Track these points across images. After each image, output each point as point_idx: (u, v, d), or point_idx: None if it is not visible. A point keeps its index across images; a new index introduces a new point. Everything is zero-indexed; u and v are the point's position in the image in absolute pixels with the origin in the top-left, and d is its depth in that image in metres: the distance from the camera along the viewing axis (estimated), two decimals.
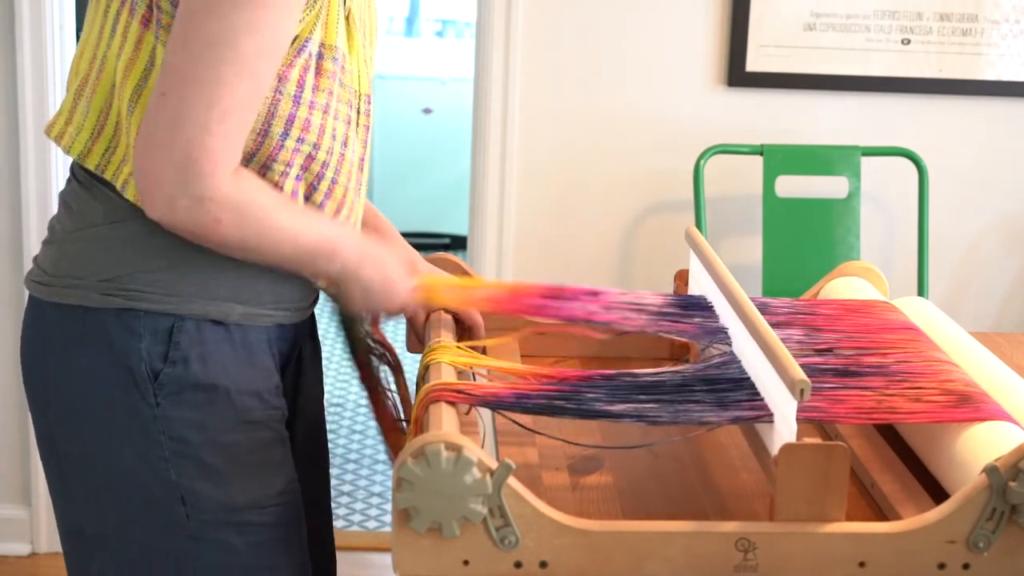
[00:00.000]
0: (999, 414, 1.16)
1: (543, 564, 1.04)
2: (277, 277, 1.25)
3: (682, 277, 1.53)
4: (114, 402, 1.20)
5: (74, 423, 1.22)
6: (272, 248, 1.19)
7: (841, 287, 1.52)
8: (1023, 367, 1.47)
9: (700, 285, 1.44)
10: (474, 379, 1.30)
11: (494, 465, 1.03)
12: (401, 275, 1.31)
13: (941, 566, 1.06)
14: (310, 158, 1.22)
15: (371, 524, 3.00)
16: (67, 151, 1.23)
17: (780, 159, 2.67)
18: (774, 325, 1.30)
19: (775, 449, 1.08)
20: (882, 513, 1.16)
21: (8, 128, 2.54)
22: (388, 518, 3.00)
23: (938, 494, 1.14)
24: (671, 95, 2.75)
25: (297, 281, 1.28)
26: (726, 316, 1.31)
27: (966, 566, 1.06)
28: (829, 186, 2.71)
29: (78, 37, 2.73)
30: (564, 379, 1.22)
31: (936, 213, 2.75)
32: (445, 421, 1.12)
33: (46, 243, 1.27)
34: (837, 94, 2.75)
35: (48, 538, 2.68)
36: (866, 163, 2.71)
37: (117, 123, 1.20)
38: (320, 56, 1.21)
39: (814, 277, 2.44)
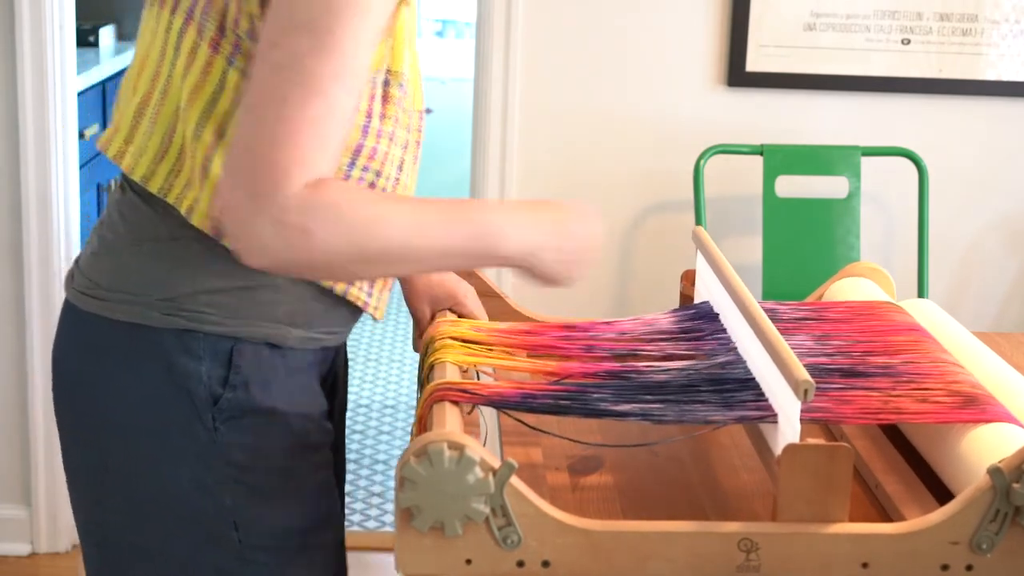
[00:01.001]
0: (1005, 416, 1.16)
1: (545, 563, 1.04)
2: (333, 301, 1.22)
3: (688, 278, 1.53)
4: (170, 424, 1.17)
5: (124, 441, 1.18)
6: (395, 247, 1.09)
7: (848, 288, 1.52)
8: (1023, 367, 1.47)
9: (706, 285, 1.45)
10: (478, 377, 1.30)
11: (497, 464, 1.03)
12: (579, 221, 1.21)
13: (944, 567, 1.06)
14: (372, 186, 1.19)
15: (371, 524, 3.00)
16: (129, 173, 1.19)
17: (780, 159, 2.67)
18: (784, 331, 1.30)
19: (779, 449, 1.08)
20: (886, 514, 1.16)
21: (8, 128, 2.54)
22: (388, 518, 3.00)
23: (942, 495, 1.14)
24: (671, 95, 2.75)
25: (348, 304, 1.24)
26: (732, 317, 1.31)
27: (969, 567, 1.06)
28: (829, 186, 2.71)
29: (78, 37, 2.73)
30: (569, 376, 1.22)
31: (936, 213, 2.75)
32: (448, 421, 1.12)
33: (96, 254, 1.22)
34: (837, 94, 2.75)
35: (48, 538, 2.68)
36: (866, 163, 2.71)
37: (182, 147, 1.17)
38: (387, 83, 1.18)
39: (814, 277, 2.44)
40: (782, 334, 1.26)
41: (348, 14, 1.05)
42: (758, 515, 1.16)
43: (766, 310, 1.39)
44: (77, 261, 1.25)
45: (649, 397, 1.17)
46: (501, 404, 1.16)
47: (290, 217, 1.03)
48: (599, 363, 1.28)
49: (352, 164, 1.16)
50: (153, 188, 1.17)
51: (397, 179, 1.21)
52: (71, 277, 1.25)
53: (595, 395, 1.17)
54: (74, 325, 1.22)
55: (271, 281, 1.17)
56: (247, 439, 1.17)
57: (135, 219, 1.19)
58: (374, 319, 1.26)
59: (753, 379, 1.19)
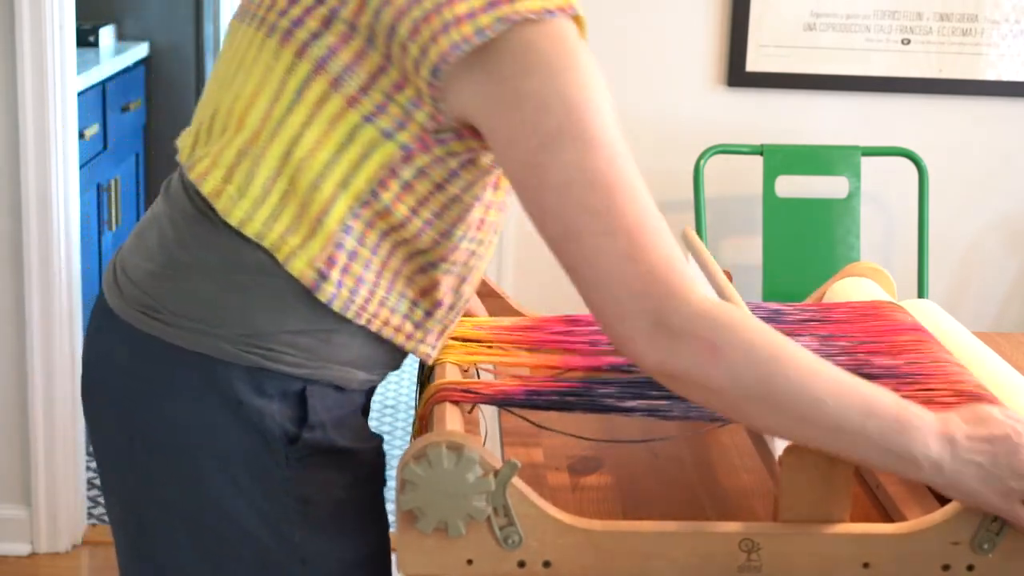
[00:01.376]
0: None
1: (547, 564, 1.04)
2: (391, 346, 1.19)
3: None
4: (237, 460, 1.13)
5: (183, 474, 1.14)
6: (805, 398, 1.01)
7: (849, 288, 1.52)
8: (1023, 367, 1.47)
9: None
10: (479, 376, 1.30)
11: (497, 462, 1.03)
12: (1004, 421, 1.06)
13: (945, 567, 1.06)
14: (473, 254, 1.17)
15: None
16: (225, 216, 1.12)
17: (780, 159, 2.67)
18: (789, 332, 1.30)
19: (779, 450, 1.08)
20: (887, 514, 1.16)
21: (8, 128, 2.54)
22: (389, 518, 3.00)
23: (942, 495, 1.14)
24: (671, 95, 2.75)
25: (394, 345, 1.19)
26: None
27: (970, 568, 1.06)
28: (829, 186, 2.71)
29: (78, 37, 2.73)
30: (573, 371, 1.21)
31: (936, 213, 2.75)
32: (448, 420, 1.12)
33: (162, 274, 1.15)
34: (837, 94, 2.75)
35: (48, 538, 2.68)
36: (866, 163, 2.71)
37: (285, 192, 1.11)
38: None
39: (814, 277, 2.44)
40: (788, 335, 1.26)
41: (590, 109, 1.03)
42: (758, 515, 1.16)
43: (771, 311, 1.39)
44: (124, 270, 1.19)
45: (655, 393, 1.17)
46: (505, 402, 1.16)
47: (692, 328, 1.01)
48: (602, 357, 1.28)
49: (464, 236, 1.14)
50: (249, 233, 1.11)
51: (491, 242, 1.20)
52: (116, 285, 1.19)
53: (600, 391, 1.17)
54: (127, 345, 1.16)
55: (348, 327, 1.14)
56: (318, 476, 1.15)
57: (220, 247, 1.13)
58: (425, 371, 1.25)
59: None
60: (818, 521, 1.06)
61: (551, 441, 1.27)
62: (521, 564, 1.04)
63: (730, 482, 1.23)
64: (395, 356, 1.20)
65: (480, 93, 1.05)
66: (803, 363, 1.03)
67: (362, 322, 1.14)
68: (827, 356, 1.27)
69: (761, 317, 1.37)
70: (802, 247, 2.68)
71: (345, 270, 1.12)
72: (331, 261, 1.11)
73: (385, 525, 1.24)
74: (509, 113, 1.04)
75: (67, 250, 2.59)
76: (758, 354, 1.01)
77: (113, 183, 3.10)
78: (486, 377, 1.30)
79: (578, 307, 1.35)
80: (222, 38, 3.72)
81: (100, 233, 3.04)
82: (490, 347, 1.30)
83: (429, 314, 1.18)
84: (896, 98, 2.76)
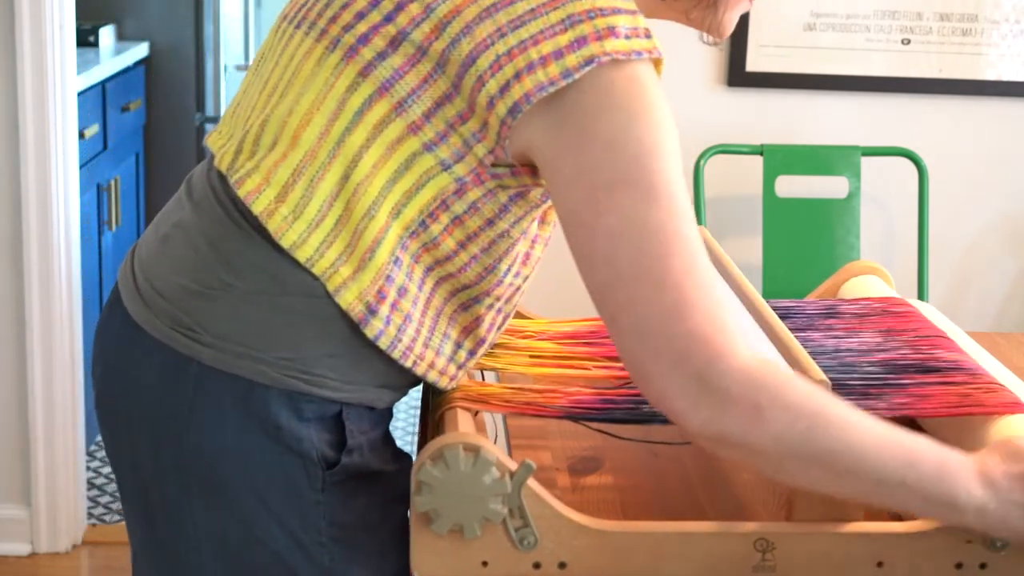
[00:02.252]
0: None
1: (562, 565, 1.05)
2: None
3: None
4: (271, 484, 1.10)
5: (214, 496, 1.11)
6: (846, 453, 1.00)
7: (862, 286, 1.52)
8: (1023, 368, 1.48)
9: None
10: (483, 378, 1.30)
11: (513, 465, 1.03)
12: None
13: (959, 566, 1.06)
14: (518, 290, 1.16)
15: None
16: (278, 238, 1.08)
17: (780, 159, 2.67)
18: (848, 329, 1.32)
19: None
20: (895, 513, 1.16)
21: (8, 128, 2.53)
22: None
23: None
24: (671, 95, 2.69)
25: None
26: None
27: (983, 566, 1.06)
28: (829, 186, 2.71)
29: (78, 37, 2.72)
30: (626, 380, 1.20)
31: (936, 213, 2.76)
32: (461, 423, 1.12)
33: (201, 294, 1.10)
34: (837, 94, 2.76)
35: (48, 538, 2.67)
36: (866, 163, 2.71)
37: (339, 217, 1.07)
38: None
39: (814, 277, 2.44)
40: (845, 330, 1.26)
41: (656, 156, 1.00)
42: (759, 515, 1.16)
43: (825, 307, 1.39)
44: (149, 280, 1.15)
45: None
46: (581, 416, 1.14)
47: (732, 390, 0.99)
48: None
49: (508, 271, 1.13)
50: (300, 257, 1.07)
51: (528, 276, 1.18)
52: (142, 299, 1.14)
53: None
54: (161, 364, 1.12)
55: (376, 348, 1.11)
56: (353, 500, 1.13)
57: (263, 268, 1.09)
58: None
59: None
60: (832, 520, 1.06)
61: (557, 443, 1.27)
62: (536, 565, 1.04)
63: (731, 482, 1.23)
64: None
65: (551, 131, 1.02)
66: (844, 420, 1.02)
67: (408, 364, 1.11)
68: (893, 351, 1.27)
69: (807, 312, 1.37)
70: (802, 247, 2.68)
71: (394, 306, 1.09)
72: (381, 295, 1.08)
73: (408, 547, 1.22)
74: (577, 152, 1.02)
75: (67, 250, 2.59)
76: (801, 413, 1.00)
77: (113, 183, 3.10)
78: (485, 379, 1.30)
79: (577, 311, 1.35)
80: (222, 38, 3.72)
81: (100, 233, 3.04)
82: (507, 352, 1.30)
83: (472, 353, 1.16)
84: (896, 98, 2.77)
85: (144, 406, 1.14)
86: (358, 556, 1.15)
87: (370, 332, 1.09)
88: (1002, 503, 1.03)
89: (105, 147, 3.10)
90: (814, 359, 1.23)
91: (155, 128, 3.52)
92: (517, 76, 1.01)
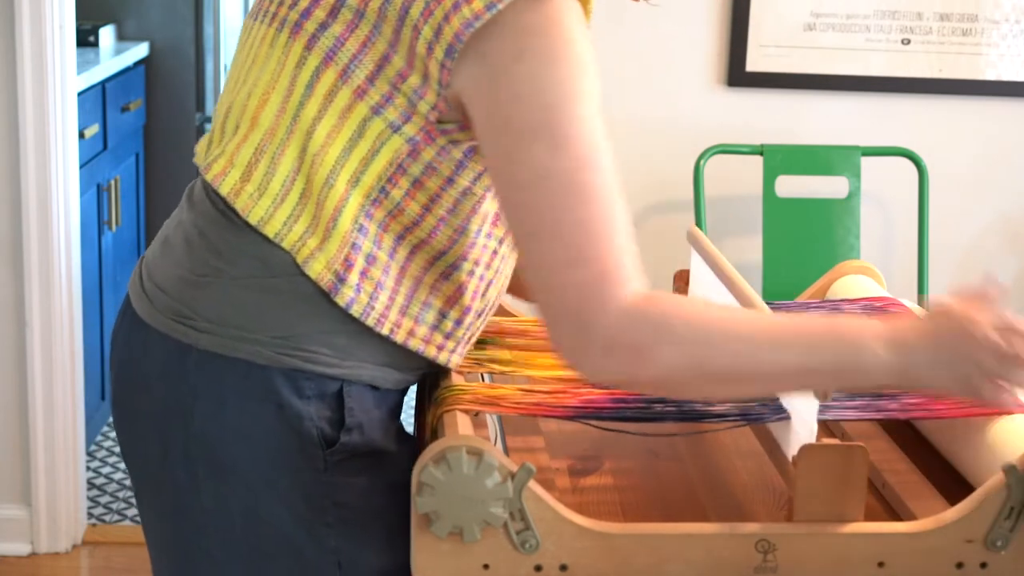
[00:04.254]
0: None
1: (563, 567, 1.04)
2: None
3: (682, 278, 1.53)
4: (274, 464, 1.12)
5: (220, 480, 1.13)
6: (744, 363, 1.02)
7: (852, 285, 1.52)
8: None
9: (702, 286, 1.44)
10: (482, 379, 1.30)
11: (514, 469, 1.03)
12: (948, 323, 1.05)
13: (959, 565, 1.06)
14: (495, 254, 1.16)
15: None
16: (245, 215, 1.11)
17: (780, 159, 2.67)
18: None
19: (793, 450, 1.09)
20: (894, 513, 1.16)
21: (8, 128, 2.53)
22: None
23: (945, 492, 1.15)
24: (671, 95, 2.75)
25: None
26: None
27: (983, 565, 1.07)
28: (829, 186, 2.71)
29: (78, 37, 2.72)
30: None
31: (936, 213, 2.76)
32: (461, 425, 1.12)
33: (192, 281, 1.14)
34: (837, 94, 2.76)
35: (48, 538, 2.67)
36: (866, 163, 2.72)
37: (303, 191, 1.10)
38: None
39: (814, 277, 2.44)
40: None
41: (570, 107, 1.02)
42: (759, 516, 1.16)
43: (828, 308, 1.39)
44: (152, 278, 1.18)
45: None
46: (595, 416, 1.14)
47: (621, 340, 1.00)
48: None
49: (480, 231, 1.13)
50: (269, 232, 1.11)
51: (503, 238, 1.18)
52: (143, 293, 1.17)
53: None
54: (160, 353, 1.15)
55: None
56: (356, 480, 1.14)
57: (250, 252, 1.12)
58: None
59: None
60: (833, 521, 1.06)
61: (554, 443, 1.27)
62: (538, 568, 1.04)
63: (731, 482, 1.23)
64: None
65: (476, 77, 1.05)
66: (733, 333, 1.03)
67: (385, 331, 1.12)
68: None
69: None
70: (802, 247, 2.68)
71: (364, 274, 1.11)
72: (348, 263, 1.10)
73: None
74: (494, 99, 1.04)
75: (67, 250, 2.59)
76: (687, 343, 1.02)
77: (113, 183, 3.10)
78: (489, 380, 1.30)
79: None
80: (222, 38, 3.72)
81: (100, 233, 3.03)
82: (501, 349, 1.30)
83: (459, 323, 1.16)
84: (896, 98, 2.77)
85: (151, 399, 1.16)
86: (365, 539, 1.15)
87: (341, 300, 1.10)
88: (914, 362, 1.02)
89: (105, 147, 3.10)
90: None
91: (155, 128, 3.52)
92: (446, 17, 1.03)
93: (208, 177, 1.14)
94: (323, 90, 1.09)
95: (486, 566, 1.04)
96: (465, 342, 1.19)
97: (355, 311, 1.11)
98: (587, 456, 1.26)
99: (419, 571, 1.05)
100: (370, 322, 1.12)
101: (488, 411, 1.18)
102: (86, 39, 3.23)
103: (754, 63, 2.73)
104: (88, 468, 2.91)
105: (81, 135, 2.77)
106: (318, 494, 1.13)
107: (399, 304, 1.13)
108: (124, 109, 3.27)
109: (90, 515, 2.79)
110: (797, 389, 1.07)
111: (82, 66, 2.86)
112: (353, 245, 1.10)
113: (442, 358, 1.17)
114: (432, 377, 1.24)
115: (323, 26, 1.09)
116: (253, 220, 1.11)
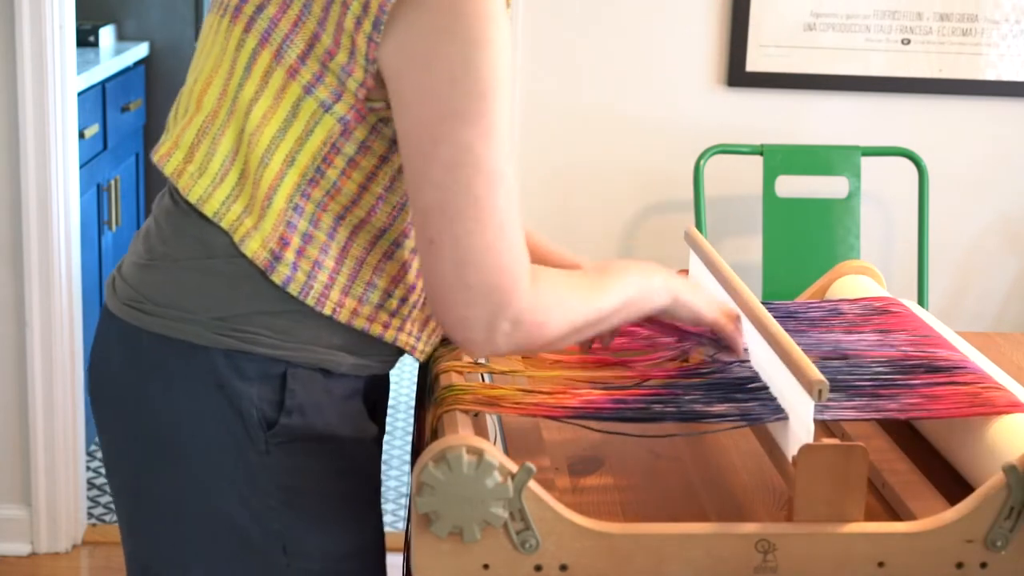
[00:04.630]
0: None
1: (563, 567, 1.04)
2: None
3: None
4: (220, 446, 1.14)
5: (171, 462, 1.15)
6: (594, 316, 1.16)
7: (852, 286, 1.52)
8: (1023, 367, 1.48)
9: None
10: (482, 379, 1.30)
11: (515, 469, 1.03)
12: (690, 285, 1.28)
13: (959, 565, 1.06)
14: None
15: None
16: (185, 194, 1.14)
17: (780, 159, 2.67)
18: (852, 327, 1.32)
19: (792, 450, 1.09)
20: (894, 513, 1.16)
21: (8, 128, 2.53)
22: (388, 518, 3.00)
23: (944, 491, 1.15)
24: (671, 95, 2.75)
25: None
26: None
27: (984, 565, 1.06)
28: (829, 186, 2.71)
29: (78, 37, 2.73)
30: (650, 378, 1.22)
31: (936, 213, 2.76)
32: (461, 425, 1.12)
33: (144, 266, 1.18)
34: (837, 94, 2.76)
35: (48, 538, 2.68)
36: (866, 163, 2.71)
37: (242, 171, 1.13)
38: None
39: (814, 277, 2.44)
40: (850, 330, 1.26)
41: (495, 93, 1.05)
42: (759, 515, 1.16)
43: (828, 308, 1.39)
44: (120, 269, 1.22)
45: (740, 396, 1.17)
46: (595, 416, 1.15)
47: (529, 318, 1.09)
48: (667, 367, 1.28)
49: None
50: (208, 212, 1.13)
51: None
52: (112, 286, 1.21)
53: (686, 397, 1.17)
54: (119, 339, 1.18)
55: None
56: (299, 463, 1.15)
57: (189, 233, 1.15)
58: (418, 361, 1.25)
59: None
60: (833, 521, 1.06)
61: (553, 443, 1.27)
62: (538, 568, 1.04)
63: (731, 482, 1.23)
64: (386, 341, 1.20)
65: (402, 48, 1.06)
66: (587, 291, 1.17)
67: (327, 311, 1.14)
68: (895, 350, 1.28)
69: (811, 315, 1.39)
70: (802, 247, 2.68)
71: (300, 252, 1.12)
72: (283, 242, 1.12)
73: (377, 520, 1.24)
74: (420, 76, 1.06)
75: (67, 250, 2.59)
76: (572, 309, 1.14)
77: (113, 183, 3.10)
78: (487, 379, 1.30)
79: None
80: None
81: (100, 233, 3.04)
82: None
83: (404, 300, 1.17)
84: (896, 98, 2.77)
85: (113, 385, 1.19)
86: (312, 524, 1.16)
87: (277, 278, 1.12)
88: (684, 288, 1.24)
89: (105, 147, 3.10)
90: (821, 360, 1.24)
91: (155, 128, 3.52)
92: None
93: (155, 159, 1.18)
94: (260, 71, 1.12)
95: (486, 566, 1.04)
96: (419, 324, 1.20)
97: (292, 290, 1.12)
98: (587, 456, 1.26)
99: (419, 571, 1.05)
100: (310, 301, 1.13)
101: (488, 411, 1.18)
102: (86, 39, 3.23)
103: (754, 63, 2.73)
104: (88, 468, 2.91)
105: (81, 135, 2.77)
106: (261, 476, 1.14)
107: (341, 284, 1.14)
108: (124, 109, 3.27)
109: (90, 515, 2.79)
110: (617, 325, 1.22)
111: (82, 66, 2.87)
112: (288, 224, 1.12)
113: (389, 336, 1.18)
114: (432, 378, 1.24)
115: (260, 8, 1.12)
116: (193, 199, 1.14)
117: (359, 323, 1.15)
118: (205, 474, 1.14)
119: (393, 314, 1.17)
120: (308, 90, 1.10)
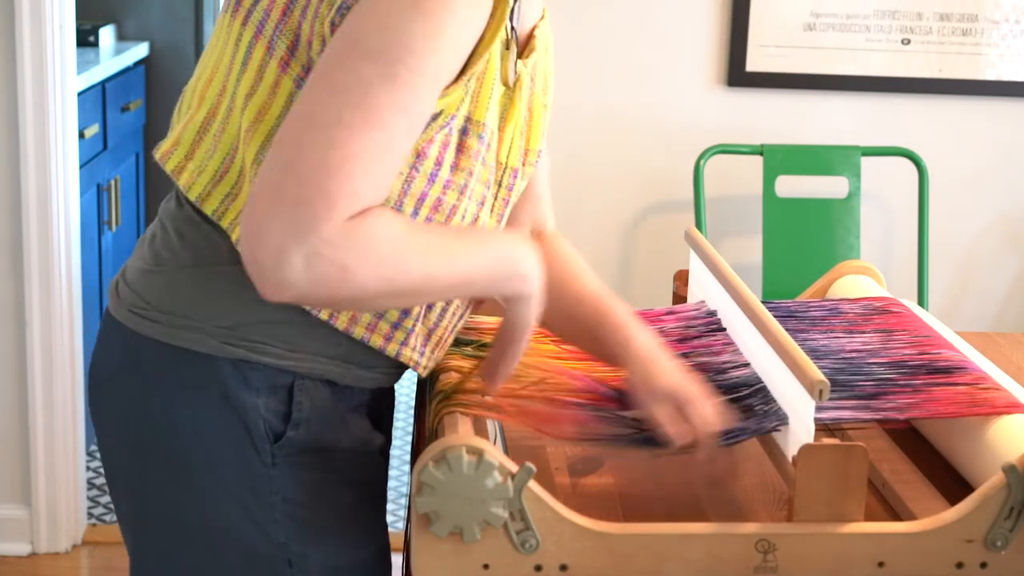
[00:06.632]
0: None
1: (563, 567, 1.04)
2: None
3: (681, 278, 1.53)
4: (224, 457, 1.11)
5: (174, 472, 1.13)
6: (420, 279, 1.02)
7: (852, 286, 1.52)
8: (1023, 367, 1.48)
9: (701, 286, 1.45)
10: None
11: (515, 469, 1.03)
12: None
13: (959, 565, 1.06)
14: None
15: None
16: (186, 191, 1.11)
17: (780, 159, 2.67)
18: (852, 328, 1.32)
19: (792, 450, 1.09)
20: (894, 513, 1.16)
21: (8, 128, 2.53)
22: (390, 519, 3.00)
23: (946, 493, 1.15)
24: (671, 95, 2.75)
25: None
26: (732, 317, 1.31)
27: (983, 565, 1.07)
28: (829, 186, 2.72)
29: (78, 37, 2.72)
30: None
31: (936, 213, 2.76)
32: (461, 425, 1.12)
33: (149, 271, 1.15)
34: (837, 94, 2.76)
35: (48, 538, 2.67)
36: (866, 163, 2.72)
37: (241, 170, 1.09)
38: (464, 132, 1.09)
39: (814, 277, 2.44)
40: (850, 331, 1.26)
41: (422, 50, 0.99)
42: (759, 516, 1.16)
43: (828, 308, 1.39)
44: (123, 274, 1.19)
45: (737, 405, 1.17)
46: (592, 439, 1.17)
47: (328, 252, 0.95)
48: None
49: (415, 214, 1.08)
50: (207, 210, 1.10)
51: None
52: (116, 291, 1.18)
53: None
54: (122, 345, 1.15)
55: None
56: (305, 475, 1.12)
57: (194, 239, 1.12)
58: (420, 375, 1.21)
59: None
60: (833, 521, 1.06)
61: (553, 442, 1.27)
62: (538, 568, 1.04)
63: (731, 483, 1.23)
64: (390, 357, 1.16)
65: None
66: (422, 250, 1.02)
67: (323, 316, 1.10)
68: (898, 351, 1.28)
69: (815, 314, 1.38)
70: (802, 247, 2.68)
71: None
72: None
73: (383, 532, 1.22)
74: (352, 20, 1.00)
75: (67, 250, 2.59)
76: (388, 263, 0.99)
77: (113, 183, 3.10)
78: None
79: None
80: None
81: (100, 233, 3.03)
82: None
83: (406, 313, 1.13)
84: (896, 98, 2.77)
85: (113, 390, 1.17)
86: (317, 535, 1.14)
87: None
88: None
89: (105, 147, 3.10)
90: (821, 360, 1.24)
91: (155, 128, 3.52)
92: None
93: (157, 156, 1.15)
94: (255, 65, 1.09)
95: (486, 566, 1.04)
96: (422, 338, 1.15)
97: None
98: (587, 456, 1.26)
99: (419, 571, 1.05)
100: (310, 309, 1.10)
101: (489, 417, 1.17)
102: (86, 39, 3.23)
103: (754, 63, 2.73)
104: (88, 468, 2.91)
105: (81, 135, 2.77)
106: (266, 489, 1.12)
107: None
108: (124, 109, 3.27)
109: (90, 515, 2.79)
110: (464, 296, 1.13)
111: (82, 66, 2.87)
112: None
113: (391, 349, 1.13)
114: (432, 378, 1.24)
115: (256, 1, 1.10)
116: (193, 196, 1.11)
117: (358, 332, 1.12)
118: (210, 486, 1.12)
119: (395, 326, 1.13)
120: (299, 84, 1.06)
